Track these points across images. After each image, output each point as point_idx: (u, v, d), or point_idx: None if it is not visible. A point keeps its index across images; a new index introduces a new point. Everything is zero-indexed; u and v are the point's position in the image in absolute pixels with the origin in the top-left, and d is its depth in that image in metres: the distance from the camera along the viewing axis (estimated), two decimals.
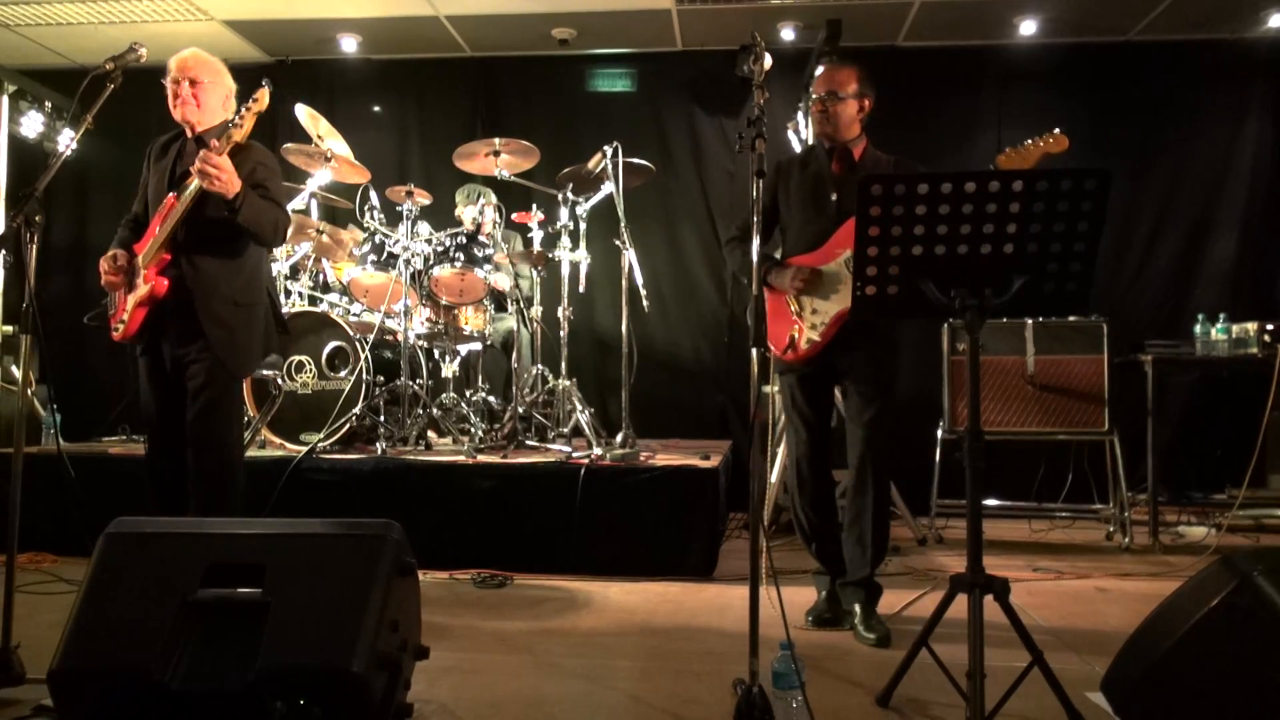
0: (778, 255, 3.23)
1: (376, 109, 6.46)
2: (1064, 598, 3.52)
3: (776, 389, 3.26)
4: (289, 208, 4.76)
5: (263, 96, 3.07)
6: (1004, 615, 2.12)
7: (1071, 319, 4.59)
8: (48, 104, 5.52)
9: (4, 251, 2.42)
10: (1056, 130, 2.74)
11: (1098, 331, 4.61)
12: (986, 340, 4.42)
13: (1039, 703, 2.17)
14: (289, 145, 4.70)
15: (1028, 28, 5.69)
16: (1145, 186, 5.77)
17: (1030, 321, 4.60)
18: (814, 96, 3.10)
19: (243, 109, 3.08)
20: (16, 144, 5.34)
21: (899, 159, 3.14)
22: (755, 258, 2.32)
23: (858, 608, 3.00)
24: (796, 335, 3.03)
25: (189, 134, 3.25)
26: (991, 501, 5.09)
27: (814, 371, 3.10)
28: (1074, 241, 2.07)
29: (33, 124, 5.43)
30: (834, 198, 3.03)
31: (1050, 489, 5.18)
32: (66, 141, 5.23)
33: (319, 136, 4.80)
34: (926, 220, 2.07)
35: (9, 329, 4.98)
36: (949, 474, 4.65)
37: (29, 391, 2.60)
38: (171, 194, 3.14)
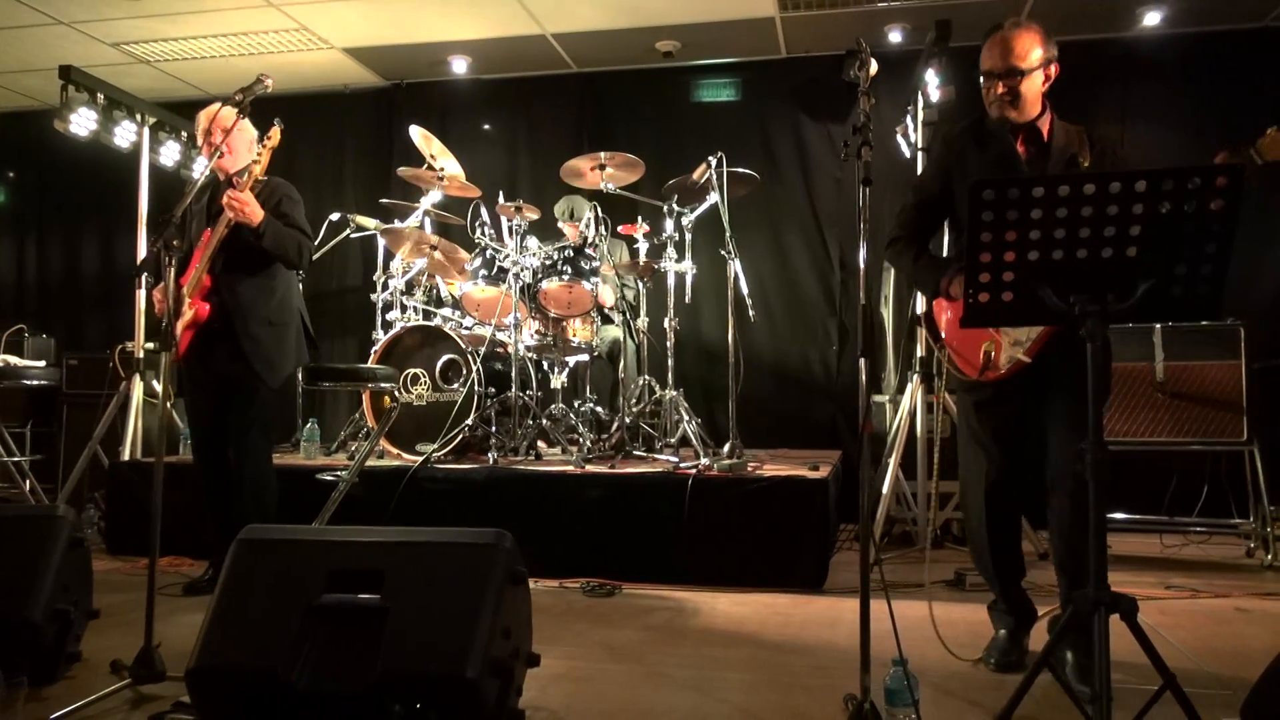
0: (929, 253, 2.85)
1: (486, 127, 6.63)
2: (1200, 617, 3.33)
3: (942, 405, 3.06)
4: (407, 224, 4.98)
5: (275, 134, 3.45)
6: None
7: (1204, 323, 4.35)
8: (184, 134, 5.84)
9: (146, 274, 2.59)
10: None
11: (1234, 335, 4.35)
12: (1111, 346, 4.22)
13: None
14: (403, 170, 4.87)
15: (1151, 18, 5.44)
16: None
17: (1159, 326, 4.37)
18: (987, 73, 2.68)
19: (259, 147, 3.47)
20: (156, 172, 5.67)
21: (1088, 126, 2.72)
22: (863, 265, 2.28)
23: (1069, 654, 2.52)
24: (993, 352, 2.64)
25: (220, 177, 3.60)
26: (1118, 515, 4.85)
27: (1008, 390, 2.67)
28: (1205, 242, 1.96)
29: (170, 153, 5.76)
30: None
31: (1183, 502, 4.88)
32: (201, 169, 5.53)
33: (431, 156, 4.96)
34: (1043, 224, 1.99)
35: (150, 346, 5.28)
36: None
37: (168, 405, 2.76)
38: (208, 229, 3.51)
